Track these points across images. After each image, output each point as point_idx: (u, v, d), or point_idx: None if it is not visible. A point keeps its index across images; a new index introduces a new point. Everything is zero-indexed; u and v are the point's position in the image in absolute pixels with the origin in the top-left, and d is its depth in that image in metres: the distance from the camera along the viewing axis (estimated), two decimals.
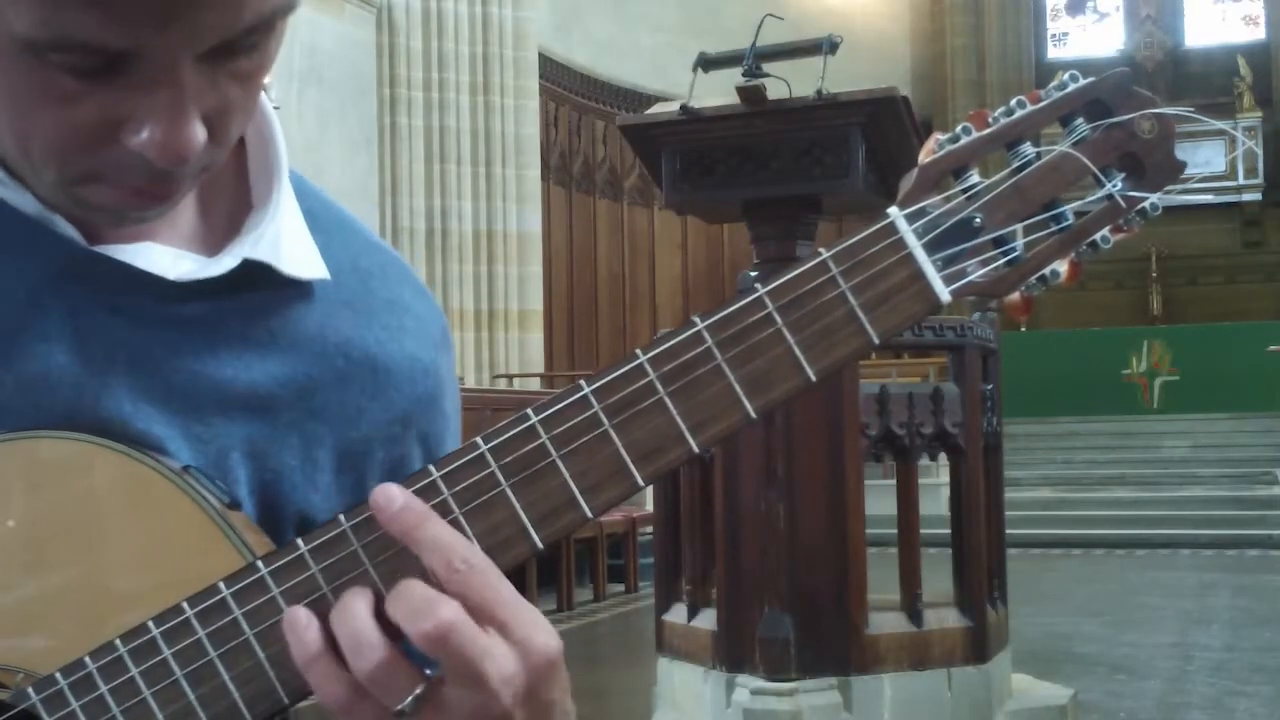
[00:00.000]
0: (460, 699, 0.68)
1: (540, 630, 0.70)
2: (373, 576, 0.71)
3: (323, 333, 0.85)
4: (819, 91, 3.83)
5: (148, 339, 0.79)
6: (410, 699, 0.68)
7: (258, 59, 0.72)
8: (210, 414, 0.80)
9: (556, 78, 15.99)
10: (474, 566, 0.69)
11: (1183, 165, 0.71)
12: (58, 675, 0.72)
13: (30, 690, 0.72)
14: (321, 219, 0.89)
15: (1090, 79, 0.73)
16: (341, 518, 0.72)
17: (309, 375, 0.84)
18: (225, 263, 0.81)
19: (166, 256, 0.81)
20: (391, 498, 0.70)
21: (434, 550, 0.69)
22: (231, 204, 0.85)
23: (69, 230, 0.79)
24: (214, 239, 0.84)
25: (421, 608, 0.67)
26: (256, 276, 0.82)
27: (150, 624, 0.71)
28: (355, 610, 0.69)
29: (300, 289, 0.84)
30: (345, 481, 0.87)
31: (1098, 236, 0.72)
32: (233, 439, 0.81)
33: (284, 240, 0.83)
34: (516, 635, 0.69)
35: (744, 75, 3.94)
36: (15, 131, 0.72)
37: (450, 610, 0.67)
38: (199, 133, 0.70)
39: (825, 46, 3.82)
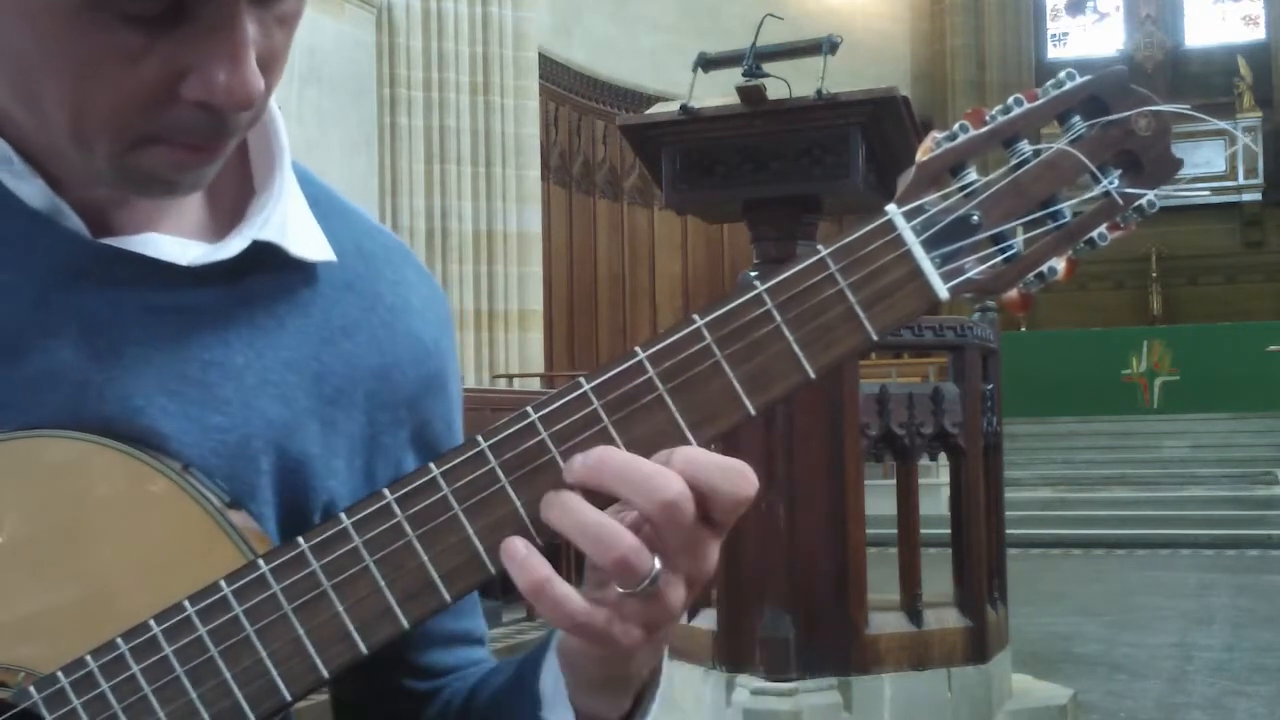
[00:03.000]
0: (686, 566, 0.70)
1: (740, 473, 0.70)
2: (373, 572, 0.71)
3: (329, 317, 0.86)
4: (819, 91, 3.83)
5: (157, 330, 0.79)
6: (650, 577, 0.68)
7: (295, 3, 0.74)
8: (227, 402, 0.80)
9: (556, 78, 15.98)
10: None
11: (1180, 162, 0.71)
12: (59, 674, 0.72)
13: (31, 689, 0.72)
14: (323, 204, 0.89)
15: (1087, 77, 0.73)
16: (342, 515, 0.71)
17: (319, 360, 0.84)
18: (235, 245, 0.81)
19: (174, 245, 0.81)
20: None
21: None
22: (235, 192, 0.85)
23: (76, 223, 0.79)
24: (218, 228, 0.84)
25: (655, 480, 0.68)
26: (263, 260, 0.82)
27: (151, 622, 0.71)
28: (581, 504, 0.69)
29: (305, 274, 0.85)
30: (356, 466, 0.87)
31: (1095, 233, 0.72)
32: (252, 426, 0.81)
33: (290, 222, 0.83)
34: (723, 494, 0.69)
35: (744, 75, 3.94)
36: (71, 106, 0.71)
37: (679, 482, 0.68)
38: (259, 75, 0.71)
39: (825, 46, 3.82)
